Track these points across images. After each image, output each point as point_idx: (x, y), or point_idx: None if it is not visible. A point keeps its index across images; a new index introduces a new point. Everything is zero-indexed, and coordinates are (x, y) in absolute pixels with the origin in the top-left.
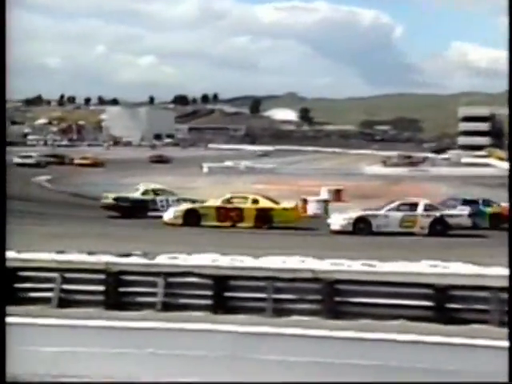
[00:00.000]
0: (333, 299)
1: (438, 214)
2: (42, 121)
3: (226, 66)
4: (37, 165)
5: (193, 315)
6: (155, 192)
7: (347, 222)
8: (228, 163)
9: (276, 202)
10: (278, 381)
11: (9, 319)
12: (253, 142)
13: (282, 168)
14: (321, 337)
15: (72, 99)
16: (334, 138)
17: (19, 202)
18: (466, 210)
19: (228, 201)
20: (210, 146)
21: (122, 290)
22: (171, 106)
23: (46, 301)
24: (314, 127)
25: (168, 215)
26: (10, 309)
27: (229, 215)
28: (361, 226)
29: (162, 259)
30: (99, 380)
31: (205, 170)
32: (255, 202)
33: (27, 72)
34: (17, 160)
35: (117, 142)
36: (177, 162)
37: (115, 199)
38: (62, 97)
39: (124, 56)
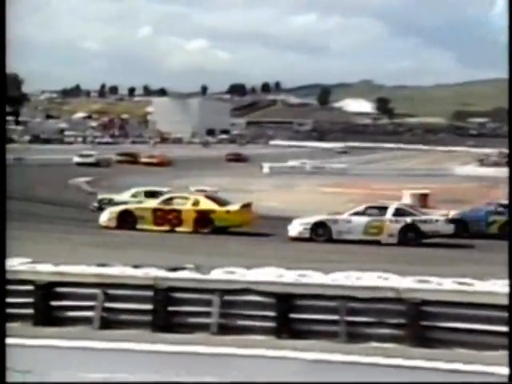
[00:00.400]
0: (419, 323)
1: (409, 219)
2: (80, 114)
3: (290, 50)
4: (96, 164)
5: (253, 339)
6: (147, 194)
7: (303, 227)
8: (292, 163)
9: (224, 204)
10: None
11: (46, 341)
12: (321, 139)
13: (355, 168)
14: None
15: (114, 89)
16: (419, 133)
17: (57, 207)
18: (445, 216)
19: (167, 202)
20: (272, 142)
21: (172, 309)
22: (226, 96)
23: (87, 321)
24: (394, 120)
25: (103, 217)
26: (46, 330)
27: (166, 218)
28: (319, 232)
29: (218, 274)
30: None
31: (265, 170)
32: (196, 203)
33: (64, 58)
34: (76, 159)
35: (164, 139)
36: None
37: (99, 201)
38: (102, 87)
39: (171, 39)
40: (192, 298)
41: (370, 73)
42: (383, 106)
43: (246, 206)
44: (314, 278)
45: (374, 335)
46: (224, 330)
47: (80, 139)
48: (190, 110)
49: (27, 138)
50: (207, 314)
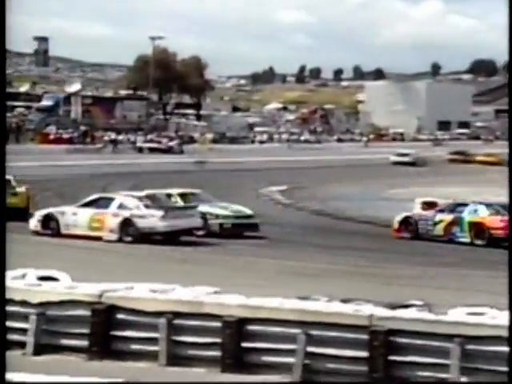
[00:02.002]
0: None
1: (128, 213)
2: (273, 105)
3: None
4: (413, 163)
5: None
6: (180, 198)
7: (37, 220)
8: None
9: None
10: None
11: None
12: None
13: None
14: None
15: (316, 72)
16: None
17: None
18: (160, 211)
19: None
20: None
21: (393, 358)
22: (466, 76)
23: (286, 369)
24: None
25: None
26: (236, 378)
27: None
28: (51, 226)
29: (457, 314)
30: None
31: None
32: None
33: (254, 34)
34: (393, 158)
35: (381, 135)
36: None
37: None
38: (302, 69)
39: (392, 3)
40: (420, 346)
41: None
42: None
43: None
44: None
45: None
46: None
47: (277, 136)
48: (415, 96)
49: (210, 136)
50: (442, 367)
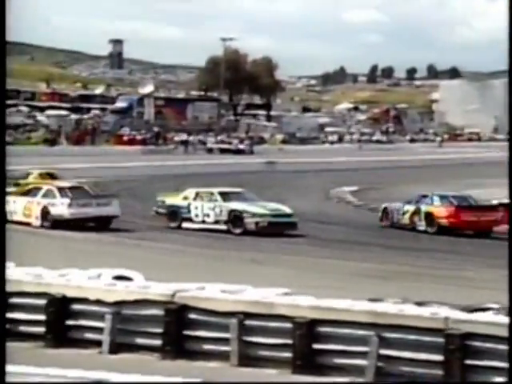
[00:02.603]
0: None
1: (46, 202)
2: (344, 105)
3: None
4: None
5: None
6: (196, 196)
7: None
8: None
9: None
10: None
11: None
12: None
13: None
14: None
15: (388, 72)
16: None
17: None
18: (67, 200)
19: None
20: None
21: (469, 362)
22: None
23: (357, 371)
24: None
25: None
26: (309, 379)
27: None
28: None
29: None
30: None
31: None
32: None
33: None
34: None
35: (456, 135)
36: None
37: (161, 203)
38: (373, 69)
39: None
40: (497, 350)
41: None
42: None
43: None
44: None
45: None
46: None
47: (347, 137)
48: (492, 95)
49: (280, 136)
50: None
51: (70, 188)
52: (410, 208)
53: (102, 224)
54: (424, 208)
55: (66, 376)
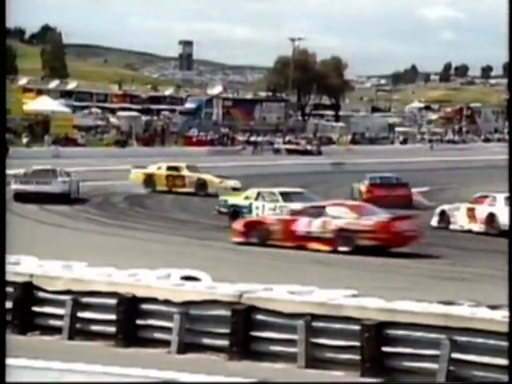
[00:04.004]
0: None
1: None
2: (415, 105)
3: None
4: None
5: None
6: (258, 196)
7: None
8: None
9: None
10: None
11: None
12: None
13: None
14: None
15: (462, 70)
16: None
17: None
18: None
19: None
20: None
21: None
22: None
23: (428, 374)
24: None
25: None
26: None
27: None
28: None
29: None
30: None
31: None
32: None
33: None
34: None
35: None
36: None
37: (223, 202)
38: (446, 67)
39: None
40: None
41: None
42: None
43: None
44: None
45: None
46: None
47: (418, 137)
48: None
49: (348, 137)
50: None
51: (33, 171)
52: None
53: None
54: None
55: (133, 375)
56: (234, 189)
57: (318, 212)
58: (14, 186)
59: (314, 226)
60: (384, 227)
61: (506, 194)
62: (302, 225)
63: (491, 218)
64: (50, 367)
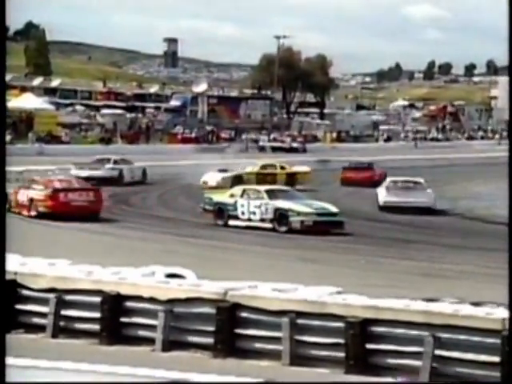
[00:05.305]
0: None
1: None
2: (399, 103)
3: None
4: None
5: None
6: (243, 194)
7: None
8: None
9: None
10: None
11: None
12: None
13: None
14: None
15: (446, 68)
16: None
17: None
18: None
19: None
20: None
21: None
22: None
23: (413, 371)
24: None
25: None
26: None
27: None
28: None
29: None
30: None
31: None
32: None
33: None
34: None
35: None
36: None
37: (208, 200)
38: (430, 66)
39: None
40: None
41: None
42: None
43: None
44: None
45: None
46: None
47: (402, 135)
48: None
49: (333, 135)
50: None
51: None
52: None
53: None
54: None
55: (117, 373)
56: None
57: None
58: (73, 172)
59: None
60: (51, 197)
61: None
62: None
63: None
64: (37, 366)
